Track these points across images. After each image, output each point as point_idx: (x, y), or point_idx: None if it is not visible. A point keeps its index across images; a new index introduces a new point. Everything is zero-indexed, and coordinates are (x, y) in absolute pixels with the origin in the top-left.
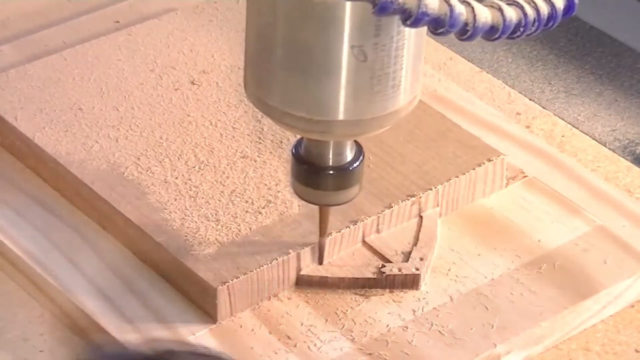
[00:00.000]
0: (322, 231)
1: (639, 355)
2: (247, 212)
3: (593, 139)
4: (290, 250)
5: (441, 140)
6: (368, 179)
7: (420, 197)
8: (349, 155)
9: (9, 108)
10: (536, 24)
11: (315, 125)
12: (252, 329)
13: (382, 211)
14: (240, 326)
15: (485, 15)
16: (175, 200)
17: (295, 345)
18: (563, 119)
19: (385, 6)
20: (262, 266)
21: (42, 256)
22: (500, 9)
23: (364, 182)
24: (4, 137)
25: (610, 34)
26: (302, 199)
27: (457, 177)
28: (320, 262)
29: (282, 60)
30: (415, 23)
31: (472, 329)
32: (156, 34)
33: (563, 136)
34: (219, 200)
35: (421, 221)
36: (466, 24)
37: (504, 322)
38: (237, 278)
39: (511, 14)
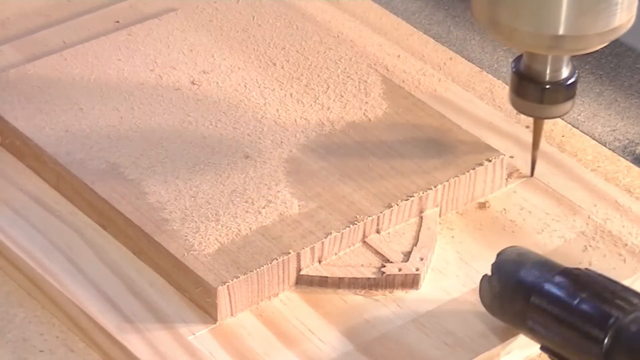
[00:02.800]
0: (535, 144)
1: None
2: (247, 212)
3: (593, 139)
4: (290, 250)
5: (441, 140)
6: (368, 178)
7: (420, 197)
8: (565, 71)
9: (9, 108)
10: None
11: (542, 40)
12: (252, 329)
13: (382, 211)
14: (240, 326)
15: None
16: (175, 200)
17: (295, 345)
18: (563, 119)
19: None
20: (262, 266)
21: (42, 256)
22: None
23: (364, 182)
24: (4, 137)
25: None
26: (519, 111)
27: (457, 177)
28: (532, 175)
29: None
30: None
31: (472, 329)
32: (156, 34)
33: (563, 136)
34: (219, 200)
35: (421, 221)
36: None
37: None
38: (237, 278)
39: None
